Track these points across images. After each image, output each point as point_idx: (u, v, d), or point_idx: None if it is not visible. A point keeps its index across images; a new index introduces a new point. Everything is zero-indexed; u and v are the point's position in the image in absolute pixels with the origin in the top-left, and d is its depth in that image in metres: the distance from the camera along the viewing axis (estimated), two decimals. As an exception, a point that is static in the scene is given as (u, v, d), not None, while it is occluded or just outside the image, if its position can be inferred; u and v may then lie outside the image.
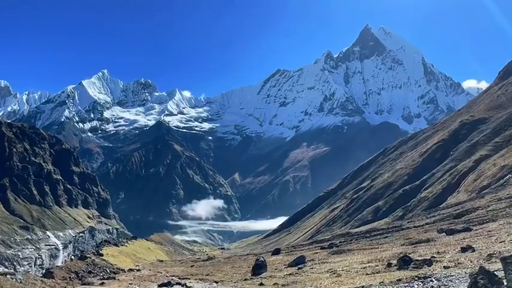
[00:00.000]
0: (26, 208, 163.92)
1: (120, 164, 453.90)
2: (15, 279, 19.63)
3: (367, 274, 17.52)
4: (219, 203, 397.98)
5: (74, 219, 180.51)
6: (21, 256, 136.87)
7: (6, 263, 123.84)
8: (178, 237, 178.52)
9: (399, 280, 14.12)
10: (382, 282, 14.48)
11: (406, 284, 13.37)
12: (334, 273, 19.35)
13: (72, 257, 72.80)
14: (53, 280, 28.88)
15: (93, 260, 46.87)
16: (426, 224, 38.73)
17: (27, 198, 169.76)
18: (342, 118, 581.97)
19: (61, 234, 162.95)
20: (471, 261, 15.47)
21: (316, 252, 33.96)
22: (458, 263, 15.61)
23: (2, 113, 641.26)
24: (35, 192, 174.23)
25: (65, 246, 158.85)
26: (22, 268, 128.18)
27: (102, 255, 54.28)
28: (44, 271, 47.56)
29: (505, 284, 9.80)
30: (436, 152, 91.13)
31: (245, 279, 24.05)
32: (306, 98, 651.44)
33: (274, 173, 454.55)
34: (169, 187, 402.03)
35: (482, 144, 78.81)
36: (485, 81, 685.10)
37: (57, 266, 43.62)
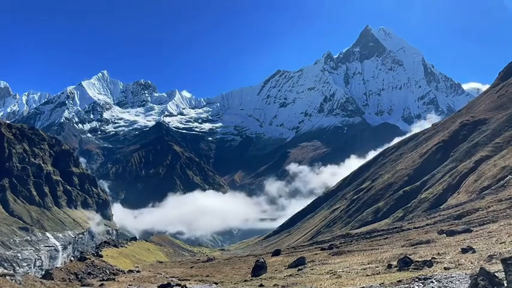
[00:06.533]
0: (25, 209, 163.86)
1: (120, 165, 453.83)
2: (15, 280, 19.52)
3: (368, 275, 17.47)
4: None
5: (74, 220, 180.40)
6: (20, 257, 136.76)
7: (6, 264, 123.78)
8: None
9: (399, 281, 14.06)
10: (383, 283, 14.42)
11: (407, 285, 13.31)
12: (334, 275, 19.29)
13: (72, 258, 72.62)
14: (53, 281, 28.78)
15: (93, 261, 46.76)
16: (426, 225, 38.66)
17: (27, 199, 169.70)
18: (342, 119, 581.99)
19: (60, 235, 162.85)
20: (472, 263, 15.42)
21: (317, 254, 33.88)
22: (458, 264, 15.56)
23: (1, 113, 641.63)
24: (35, 193, 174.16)
25: (65, 248, 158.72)
26: (21, 269, 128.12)
27: (101, 256, 54.16)
28: (43, 272, 47.48)
29: (506, 285, 9.77)
30: (437, 152, 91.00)
31: (245, 280, 23.98)
32: (306, 98, 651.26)
33: (275, 174, 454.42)
34: (169, 188, 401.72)
35: (483, 145, 78.71)
36: (486, 82, 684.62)
37: (56, 267, 43.52)
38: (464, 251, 18.10)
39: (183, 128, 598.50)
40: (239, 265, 38.56)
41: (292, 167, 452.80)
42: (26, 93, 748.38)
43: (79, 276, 38.36)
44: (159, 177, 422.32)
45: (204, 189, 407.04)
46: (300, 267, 25.14)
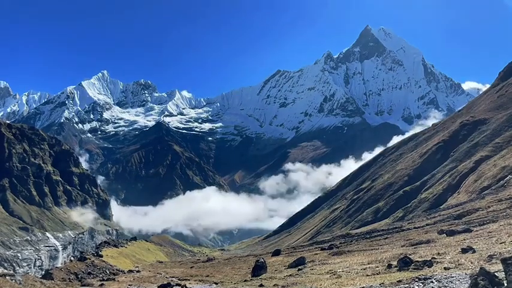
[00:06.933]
0: (25, 209, 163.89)
1: (120, 165, 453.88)
2: (15, 280, 19.53)
3: (368, 275, 17.47)
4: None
5: (73, 220, 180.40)
6: (20, 257, 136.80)
7: (6, 264, 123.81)
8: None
9: (399, 281, 14.05)
10: (383, 283, 14.42)
11: (407, 285, 13.31)
12: (334, 275, 19.29)
13: (72, 258, 72.63)
14: (53, 281, 28.79)
15: (93, 261, 46.76)
16: (426, 225, 38.66)
17: (27, 199, 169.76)
18: (342, 119, 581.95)
19: (60, 235, 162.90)
20: (472, 262, 15.41)
21: (316, 253, 33.88)
22: (458, 264, 15.56)
23: (1, 113, 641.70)
24: (34, 193, 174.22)
25: (65, 247, 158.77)
26: (21, 269, 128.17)
27: (101, 256, 54.14)
28: (43, 272, 47.49)
29: (505, 285, 9.76)
30: (437, 152, 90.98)
31: (245, 280, 23.98)
32: (306, 98, 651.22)
33: (275, 174, 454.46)
34: (169, 188, 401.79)
35: (483, 145, 78.70)
36: (486, 82, 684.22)
37: (56, 267, 43.52)
38: (464, 251, 18.09)
39: (183, 128, 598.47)
40: (239, 265, 38.57)
41: (292, 167, 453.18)
42: (26, 93, 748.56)
43: (79, 276, 38.36)
44: (159, 177, 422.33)
45: (204, 189, 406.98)
46: (300, 267, 25.14)
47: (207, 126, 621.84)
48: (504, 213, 31.10)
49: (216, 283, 25.10)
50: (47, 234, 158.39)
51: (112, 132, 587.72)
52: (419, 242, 26.54)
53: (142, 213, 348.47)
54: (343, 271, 19.86)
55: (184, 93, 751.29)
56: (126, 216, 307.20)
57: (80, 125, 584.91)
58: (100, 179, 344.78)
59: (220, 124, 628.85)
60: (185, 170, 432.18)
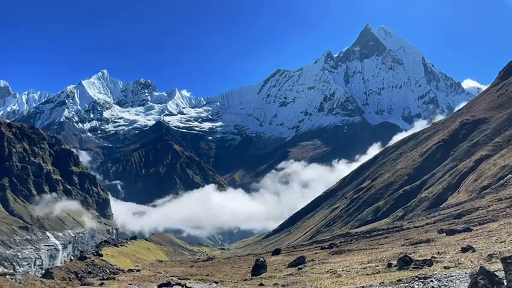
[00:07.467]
0: (25, 208, 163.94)
1: (120, 164, 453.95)
2: (15, 279, 19.56)
3: (368, 274, 17.48)
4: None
5: (74, 219, 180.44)
6: (20, 256, 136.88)
7: (6, 264, 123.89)
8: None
9: (399, 280, 14.06)
10: (383, 282, 14.43)
11: (407, 284, 13.32)
12: (334, 274, 19.31)
13: (72, 258, 72.68)
14: (53, 280, 28.82)
15: (93, 260, 46.81)
16: (426, 224, 38.67)
17: (27, 199, 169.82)
18: (342, 118, 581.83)
19: (60, 234, 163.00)
20: (471, 262, 15.43)
21: (316, 253, 33.91)
22: (458, 263, 15.57)
23: (1, 113, 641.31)
24: (35, 192, 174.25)
25: (65, 247, 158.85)
26: (21, 268, 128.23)
27: (101, 255, 54.21)
28: (43, 271, 47.52)
29: (505, 284, 9.77)
30: (437, 152, 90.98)
31: (245, 280, 24.00)
32: (306, 98, 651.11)
33: (275, 173, 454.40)
34: (169, 187, 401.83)
35: (483, 144, 78.69)
36: (486, 81, 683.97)
37: (56, 267, 43.56)
38: (464, 250, 18.10)
39: (183, 127, 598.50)
40: (239, 264, 38.59)
41: (293, 166, 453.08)
42: (26, 93, 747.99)
43: (79, 275, 38.40)
44: (159, 176, 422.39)
45: (204, 189, 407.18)
46: (300, 267, 25.16)
47: (207, 125, 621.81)
48: (504, 213, 31.10)
49: (216, 282, 25.12)
50: (47, 233, 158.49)
51: (112, 132, 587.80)
52: (419, 241, 26.56)
53: (142, 212, 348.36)
54: (343, 270, 19.88)
55: (184, 92, 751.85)
56: (126, 215, 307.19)
57: (80, 124, 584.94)
58: (100, 178, 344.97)
59: (220, 123, 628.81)
60: (185, 169, 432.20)
